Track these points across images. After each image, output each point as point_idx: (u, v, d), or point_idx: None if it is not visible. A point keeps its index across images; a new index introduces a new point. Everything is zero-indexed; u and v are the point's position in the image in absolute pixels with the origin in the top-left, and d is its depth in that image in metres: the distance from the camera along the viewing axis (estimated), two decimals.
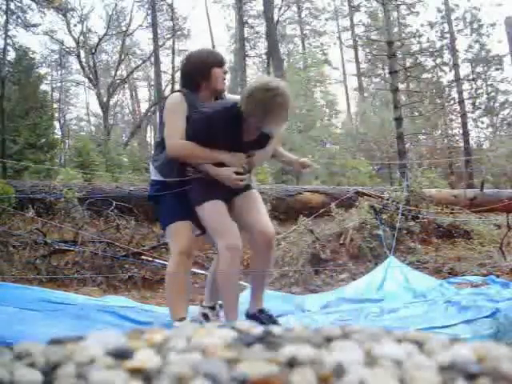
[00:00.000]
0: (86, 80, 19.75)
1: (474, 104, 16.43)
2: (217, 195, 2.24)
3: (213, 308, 2.49)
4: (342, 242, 4.65)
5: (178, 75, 21.53)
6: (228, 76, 2.51)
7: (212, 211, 2.22)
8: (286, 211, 5.80)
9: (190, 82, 2.32)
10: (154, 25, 17.23)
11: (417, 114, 14.85)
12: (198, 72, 2.28)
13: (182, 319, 2.16)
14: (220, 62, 2.33)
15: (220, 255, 2.19)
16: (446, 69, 16.32)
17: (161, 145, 2.32)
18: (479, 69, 17.31)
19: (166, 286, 2.32)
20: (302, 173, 2.74)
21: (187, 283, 2.35)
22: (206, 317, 2.45)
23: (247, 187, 2.34)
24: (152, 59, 18.86)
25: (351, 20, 21.18)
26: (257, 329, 0.41)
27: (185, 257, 2.23)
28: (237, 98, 2.28)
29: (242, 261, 2.52)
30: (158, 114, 18.71)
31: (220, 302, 2.45)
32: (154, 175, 2.37)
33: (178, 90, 2.37)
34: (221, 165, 2.23)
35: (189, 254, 2.26)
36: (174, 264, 2.24)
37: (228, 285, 2.20)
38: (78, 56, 18.70)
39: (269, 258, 2.33)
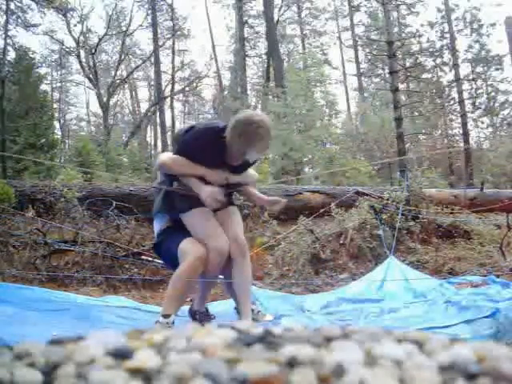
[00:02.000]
0: (86, 80, 19.80)
1: (474, 104, 16.40)
2: (203, 204, 2.37)
3: (251, 311, 2.61)
4: (342, 242, 4.65)
5: (177, 75, 21.55)
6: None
7: (201, 216, 2.38)
8: (286, 211, 5.78)
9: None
10: (154, 25, 17.26)
11: (417, 114, 14.84)
12: None
13: (166, 316, 2.27)
14: None
15: (209, 256, 2.33)
16: (446, 69, 16.29)
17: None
18: (479, 69, 17.27)
19: (172, 284, 2.34)
20: (274, 210, 2.94)
21: (192, 287, 2.47)
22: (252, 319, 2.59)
23: (229, 204, 2.54)
24: (152, 59, 18.88)
25: (351, 20, 21.20)
26: (257, 329, 0.41)
27: (200, 262, 2.32)
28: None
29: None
30: (158, 114, 18.74)
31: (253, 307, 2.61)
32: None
33: None
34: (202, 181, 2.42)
35: (203, 260, 2.35)
36: (189, 267, 2.31)
37: (201, 281, 2.44)
38: (78, 56, 18.73)
39: (243, 265, 2.45)
